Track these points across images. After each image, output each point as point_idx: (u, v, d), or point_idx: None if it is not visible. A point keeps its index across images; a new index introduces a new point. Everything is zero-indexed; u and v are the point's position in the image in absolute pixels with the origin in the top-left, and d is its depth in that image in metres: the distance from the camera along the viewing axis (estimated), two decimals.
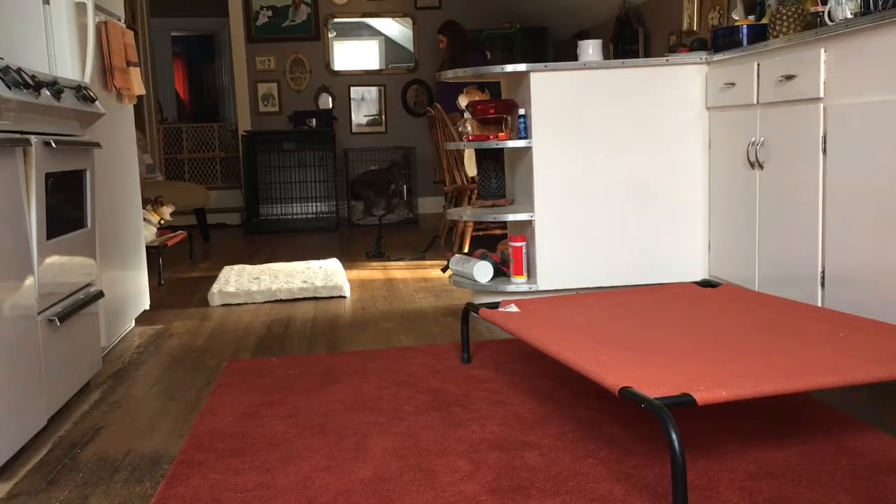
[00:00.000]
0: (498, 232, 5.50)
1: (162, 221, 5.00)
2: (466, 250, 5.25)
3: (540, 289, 3.61)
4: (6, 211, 2.07)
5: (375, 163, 8.13)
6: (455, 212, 3.97)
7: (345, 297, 4.21)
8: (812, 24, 3.06)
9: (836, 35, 2.68)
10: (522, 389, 2.52)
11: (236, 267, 4.95)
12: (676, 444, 1.59)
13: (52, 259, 2.39)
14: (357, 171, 8.06)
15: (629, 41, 6.48)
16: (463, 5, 8.50)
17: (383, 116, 8.65)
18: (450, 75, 3.85)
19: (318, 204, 7.98)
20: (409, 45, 8.75)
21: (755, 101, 3.20)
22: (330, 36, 8.51)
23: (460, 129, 3.95)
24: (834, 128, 2.72)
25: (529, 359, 2.84)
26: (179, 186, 6.65)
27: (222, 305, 4.11)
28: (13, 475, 2.04)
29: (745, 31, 3.42)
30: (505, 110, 3.73)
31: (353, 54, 8.84)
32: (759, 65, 3.16)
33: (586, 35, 7.11)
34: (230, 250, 6.36)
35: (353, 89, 8.59)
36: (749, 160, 3.26)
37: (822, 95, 2.77)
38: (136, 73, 3.57)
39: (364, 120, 8.67)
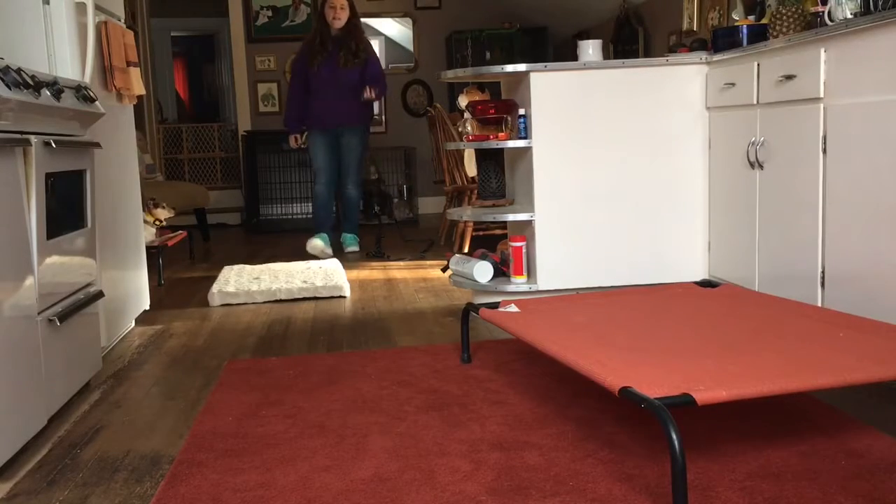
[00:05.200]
0: (498, 232, 5.50)
1: (157, 223, 4.99)
2: (466, 250, 5.25)
3: (540, 289, 3.61)
4: (6, 211, 2.07)
5: (376, 163, 8.13)
6: (455, 212, 3.97)
7: (345, 297, 4.21)
8: (812, 24, 3.06)
9: (836, 35, 2.68)
10: (522, 389, 2.52)
11: (236, 267, 4.95)
12: (676, 444, 1.59)
13: (52, 259, 2.39)
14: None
15: (629, 41, 6.48)
16: (463, 5, 8.50)
17: (383, 116, 8.65)
18: (450, 75, 3.85)
19: None
20: (409, 45, 8.75)
21: (755, 101, 3.20)
22: None
23: (460, 129, 3.95)
24: (834, 128, 2.72)
25: (529, 359, 2.84)
26: (179, 186, 6.65)
27: (222, 305, 4.11)
28: (13, 475, 2.04)
29: (745, 31, 3.42)
30: (505, 110, 3.73)
31: None
32: (759, 65, 3.16)
33: (586, 35, 7.12)
34: (230, 250, 6.36)
35: None
36: (749, 160, 3.26)
37: (822, 95, 2.77)
38: (136, 73, 3.58)
39: None
